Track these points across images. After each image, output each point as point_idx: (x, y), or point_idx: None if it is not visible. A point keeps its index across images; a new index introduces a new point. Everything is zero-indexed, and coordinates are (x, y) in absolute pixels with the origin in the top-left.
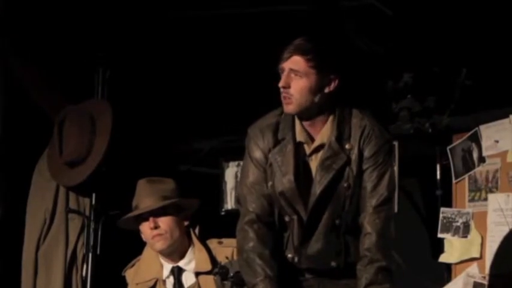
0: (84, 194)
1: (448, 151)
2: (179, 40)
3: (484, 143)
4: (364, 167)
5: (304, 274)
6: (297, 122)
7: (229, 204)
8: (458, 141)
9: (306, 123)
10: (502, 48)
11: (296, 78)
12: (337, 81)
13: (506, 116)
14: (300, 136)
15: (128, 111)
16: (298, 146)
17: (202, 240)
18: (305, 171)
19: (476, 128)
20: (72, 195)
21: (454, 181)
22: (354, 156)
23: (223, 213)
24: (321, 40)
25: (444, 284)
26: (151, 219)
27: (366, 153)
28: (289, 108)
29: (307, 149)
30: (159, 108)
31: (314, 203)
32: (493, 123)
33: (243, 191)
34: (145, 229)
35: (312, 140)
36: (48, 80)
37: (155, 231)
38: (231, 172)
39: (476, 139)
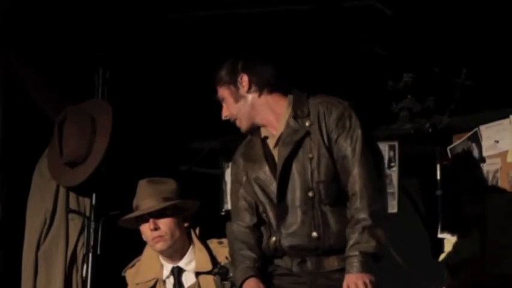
0: (84, 194)
1: (448, 151)
2: (179, 41)
3: (484, 143)
4: (334, 136)
5: (291, 264)
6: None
7: (229, 204)
8: (458, 141)
9: (263, 125)
10: (502, 48)
11: (225, 103)
12: (244, 78)
13: (506, 116)
14: (263, 133)
15: (128, 111)
16: (265, 141)
17: (203, 240)
18: (274, 162)
19: (476, 128)
20: (72, 196)
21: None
22: (315, 130)
23: (223, 213)
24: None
25: (444, 284)
26: (151, 220)
27: (332, 124)
28: (243, 129)
29: (272, 142)
30: (159, 109)
31: (279, 176)
32: (493, 123)
33: (231, 209)
34: (146, 230)
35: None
36: (49, 80)
37: (155, 233)
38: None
39: (476, 139)
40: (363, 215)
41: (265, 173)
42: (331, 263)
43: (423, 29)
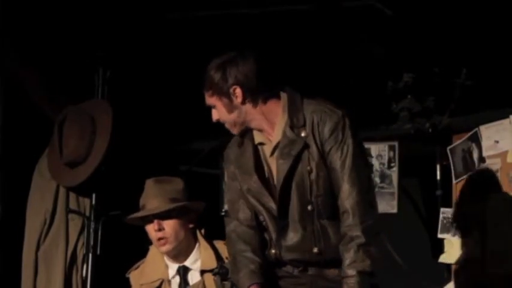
0: (84, 194)
1: (448, 151)
2: (179, 41)
3: (484, 143)
4: (327, 148)
5: (293, 270)
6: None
7: None
8: (458, 141)
9: (258, 131)
10: (502, 48)
11: (215, 110)
12: (238, 91)
13: (506, 116)
14: (258, 138)
15: (128, 111)
16: (259, 148)
17: (209, 239)
18: (270, 170)
19: (476, 128)
20: (72, 196)
21: (454, 181)
22: (311, 141)
23: (223, 213)
24: (212, 66)
25: (444, 284)
26: (156, 221)
27: (326, 135)
28: (235, 133)
29: (268, 150)
30: (159, 109)
31: (280, 191)
32: (493, 123)
33: (228, 206)
34: (151, 230)
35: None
36: (49, 80)
37: (159, 234)
38: None
39: (476, 139)
40: (356, 232)
41: (255, 183)
42: (333, 272)
43: (423, 29)
